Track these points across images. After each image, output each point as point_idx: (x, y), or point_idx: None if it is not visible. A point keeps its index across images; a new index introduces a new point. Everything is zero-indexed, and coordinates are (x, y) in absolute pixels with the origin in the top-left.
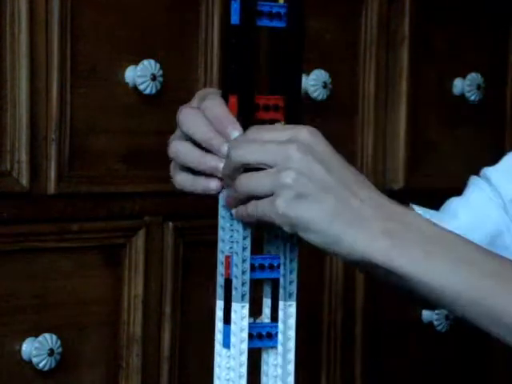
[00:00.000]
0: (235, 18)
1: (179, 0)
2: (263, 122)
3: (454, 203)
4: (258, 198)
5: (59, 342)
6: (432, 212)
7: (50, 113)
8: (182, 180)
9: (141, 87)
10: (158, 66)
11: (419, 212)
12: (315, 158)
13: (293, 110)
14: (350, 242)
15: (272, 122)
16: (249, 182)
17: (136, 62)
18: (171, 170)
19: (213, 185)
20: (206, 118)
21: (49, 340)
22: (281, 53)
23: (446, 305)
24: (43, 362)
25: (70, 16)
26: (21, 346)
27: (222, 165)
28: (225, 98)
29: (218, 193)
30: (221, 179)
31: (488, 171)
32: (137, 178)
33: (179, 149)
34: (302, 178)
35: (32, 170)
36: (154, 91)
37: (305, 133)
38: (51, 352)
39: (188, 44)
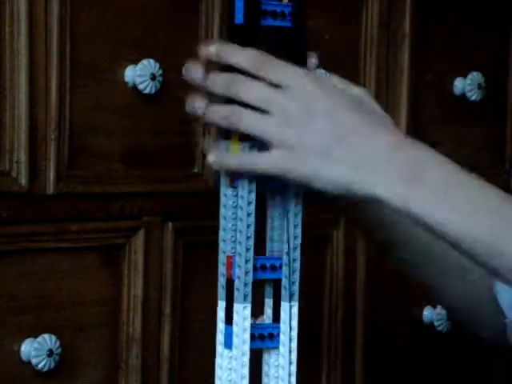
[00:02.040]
0: (239, 17)
1: (179, 0)
2: None
3: None
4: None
5: (58, 343)
6: None
7: (49, 113)
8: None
9: (140, 87)
10: (157, 65)
11: None
12: (317, 110)
13: None
14: (363, 187)
15: None
16: (249, 121)
17: (135, 62)
18: None
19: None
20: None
21: (48, 341)
22: (286, 52)
23: (460, 249)
24: (42, 363)
25: (69, 16)
26: (20, 346)
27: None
28: (228, 101)
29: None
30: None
31: None
32: (136, 178)
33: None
34: (305, 135)
35: (31, 170)
36: (153, 91)
37: (305, 81)
38: (50, 353)
39: (188, 44)
